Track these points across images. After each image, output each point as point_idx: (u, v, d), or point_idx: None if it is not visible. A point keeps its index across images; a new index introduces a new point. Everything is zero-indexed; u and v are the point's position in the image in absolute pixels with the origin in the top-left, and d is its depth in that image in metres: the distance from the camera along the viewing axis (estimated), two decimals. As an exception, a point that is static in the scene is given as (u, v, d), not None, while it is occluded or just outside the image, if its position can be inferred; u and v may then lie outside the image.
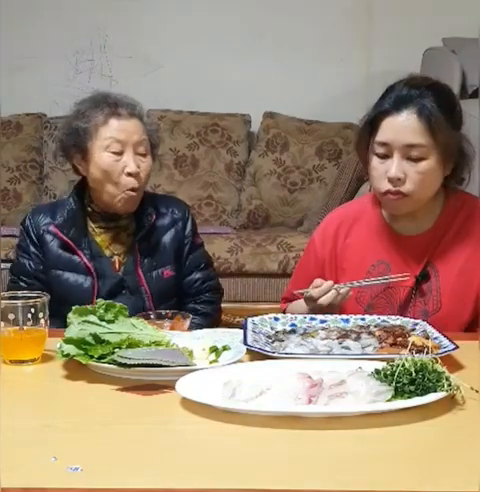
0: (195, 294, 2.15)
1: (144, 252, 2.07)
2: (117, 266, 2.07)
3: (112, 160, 2.01)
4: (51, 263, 2.07)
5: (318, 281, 1.82)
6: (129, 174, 2.01)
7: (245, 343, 1.53)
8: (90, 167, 2.04)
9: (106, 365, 1.44)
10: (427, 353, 1.41)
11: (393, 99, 1.79)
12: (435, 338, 1.58)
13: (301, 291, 1.86)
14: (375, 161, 1.82)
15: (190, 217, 2.18)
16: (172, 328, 1.75)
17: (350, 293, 1.83)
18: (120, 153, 2.01)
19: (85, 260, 2.04)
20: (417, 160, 1.77)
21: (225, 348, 1.54)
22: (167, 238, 2.11)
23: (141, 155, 2.04)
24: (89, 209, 2.10)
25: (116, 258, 2.08)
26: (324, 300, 1.78)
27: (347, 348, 1.56)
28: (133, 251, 2.07)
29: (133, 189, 2.02)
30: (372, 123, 1.82)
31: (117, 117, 2.02)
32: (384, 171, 1.79)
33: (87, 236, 2.07)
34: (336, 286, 1.80)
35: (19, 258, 2.14)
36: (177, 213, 2.15)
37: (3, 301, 1.56)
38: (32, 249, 2.10)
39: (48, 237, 2.08)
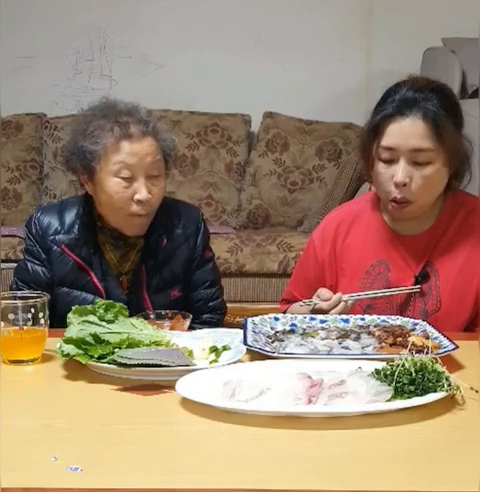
0: (196, 313, 1.97)
1: (151, 273, 1.99)
2: (124, 286, 1.99)
3: (121, 186, 1.88)
4: (58, 279, 1.98)
5: (325, 293, 1.81)
6: (139, 201, 1.88)
7: (245, 343, 1.53)
8: (97, 190, 1.92)
9: (106, 365, 1.44)
10: (427, 353, 1.41)
11: (397, 103, 1.77)
12: (435, 338, 1.58)
13: (307, 301, 1.85)
14: (380, 166, 1.80)
15: (202, 229, 2.06)
16: (172, 328, 1.74)
17: (356, 302, 1.84)
18: (130, 179, 1.88)
19: (95, 280, 1.96)
20: (423, 164, 1.76)
21: (225, 348, 1.54)
22: (177, 259, 2.02)
23: (154, 177, 1.90)
24: (99, 223, 1.99)
25: (124, 277, 1.99)
26: (334, 313, 1.78)
27: (347, 348, 1.56)
28: (140, 272, 1.98)
29: (141, 214, 1.91)
30: (376, 127, 1.81)
31: (129, 139, 1.87)
32: (390, 176, 1.78)
33: (98, 253, 1.97)
34: (345, 298, 1.80)
35: (28, 263, 2.01)
36: (189, 227, 2.04)
37: (3, 301, 1.56)
38: (44, 256, 1.99)
39: (56, 252, 1.98)
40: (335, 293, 1.82)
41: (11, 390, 1.40)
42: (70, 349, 1.46)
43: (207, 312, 2.09)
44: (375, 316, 1.77)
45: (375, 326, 1.69)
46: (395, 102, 1.78)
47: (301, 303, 1.90)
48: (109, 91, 4.14)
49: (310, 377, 1.31)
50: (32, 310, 1.55)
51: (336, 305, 1.79)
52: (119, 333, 1.50)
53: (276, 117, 4.40)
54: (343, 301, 1.79)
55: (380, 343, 1.57)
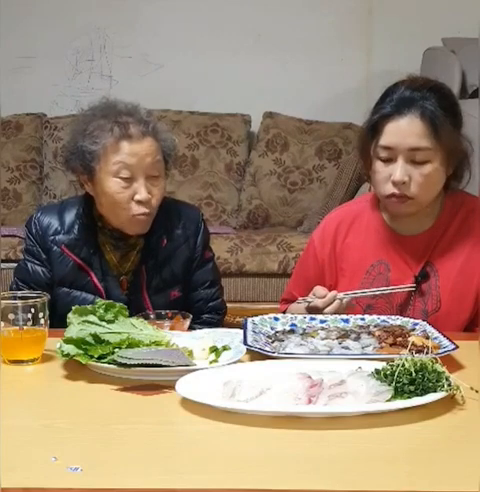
0: (196, 313, 1.97)
1: (151, 273, 1.99)
2: (124, 286, 1.99)
3: (121, 187, 1.88)
4: (58, 279, 1.98)
5: (321, 290, 1.81)
6: (139, 202, 1.88)
7: (245, 343, 1.53)
8: (97, 190, 1.92)
9: (106, 365, 1.44)
10: (427, 353, 1.41)
11: (395, 102, 1.78)
12: (435, 338, 1.58)
13: (303, 299, 1.85)
14: (378, 165, 1.81)
15: (202, 228, 2.06)
16: (172, 328, 1.75)
17: (351, 300, 1.83)
18: (130, 179, 1.87)
19: (95, 280, 1.96)
20: (421, 163, 1.77)
21: (225, 348, 1.54)
22: (177, 259, 2.02)
23: (154, 178, 1.90)
24: (99, 224, 1.99)
25: (124, 278, 1.99)
26: (329, 310, 1.78)
27: (347, 348, 1.56)
28: (140, 272, 1.98)
29: (144, 214, 1.90)
30: (374, 127, 1.81)
31: (128, 139, 1.87)
32: (388, 174, 1.79)
33: (98, 253, 1.97)
34: (340, 296, 1.80)
35: (28, 263, 2.01)
36: (189, 228, 2.04)
37: (3, 301, 1.56)
38: (44, 256, 1.99)
39: (56, 252, 1.98)
40: None
41: (11, 390, 1.40)
42: (70, 349, 1.46)
43: (207, 312, 2.09)
44: (375, 316, 1.77)
45: (375, 326, 1.69)
46: (393, 101, 1.78)
47: (297, 301, 1.91)
48: (109, 91, 4.14)
49: (310, 377, 1.31)
50: (32, 310, 1.55)
51: (331, 303, 1.79)
52: (119, 333, 1.50)
53: (276, 117, 4.40)
54: (338, 299, 1.79)
55: (380, 343, 1.57)
